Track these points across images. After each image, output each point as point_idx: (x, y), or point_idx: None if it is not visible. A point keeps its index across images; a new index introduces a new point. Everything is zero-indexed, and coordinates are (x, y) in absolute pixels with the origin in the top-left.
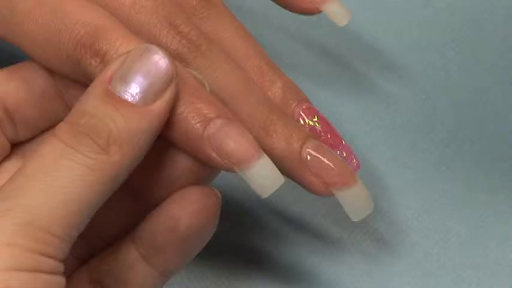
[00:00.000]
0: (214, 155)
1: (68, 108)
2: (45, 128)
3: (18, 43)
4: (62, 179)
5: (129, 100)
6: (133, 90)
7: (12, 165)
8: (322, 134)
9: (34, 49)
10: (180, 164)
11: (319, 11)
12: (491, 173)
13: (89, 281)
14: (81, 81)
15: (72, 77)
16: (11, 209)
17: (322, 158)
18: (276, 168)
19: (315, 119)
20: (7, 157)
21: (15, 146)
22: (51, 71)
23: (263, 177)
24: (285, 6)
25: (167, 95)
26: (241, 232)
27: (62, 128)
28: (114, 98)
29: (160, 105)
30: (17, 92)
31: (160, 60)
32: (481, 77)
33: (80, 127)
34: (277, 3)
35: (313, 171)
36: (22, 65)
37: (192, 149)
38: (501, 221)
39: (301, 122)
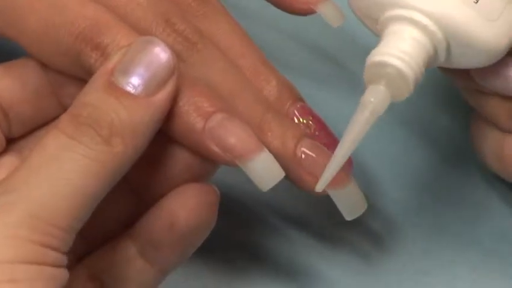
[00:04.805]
0: (215, 148)
1: (61, 105)
2: (38, 125)
3: (16, 37)
4: (65, 170)
5: (132, 92)
6: (135, 82)
7: (7, 161)
8: (317, 132)
9: (32, 43)
10: (180, 161)
11: (313, 12)
12: (490, 171)
13: (87, 277)
14: (79, 75)
15: (70, 71)
16: (15, 201)
17: (316, 157)
18: (277, 163)
19: (309, 118)
20: (3, 153)
21: (10, 142)
22: (45, 68)
23: (264, 171)
24: (279, 6)
25: (169, 87)
26: (239, 230)
27: (64, 120)
28: (116, 90)
29: (162, 96)
30: (11, 89)
31: (161, 53)
32: None
33: (83, 119)
34: (271, 3)
35: (307, 170)
36: (16, 62)
37: (192, 143)
38: (499, 219)
39: (296, 120)
